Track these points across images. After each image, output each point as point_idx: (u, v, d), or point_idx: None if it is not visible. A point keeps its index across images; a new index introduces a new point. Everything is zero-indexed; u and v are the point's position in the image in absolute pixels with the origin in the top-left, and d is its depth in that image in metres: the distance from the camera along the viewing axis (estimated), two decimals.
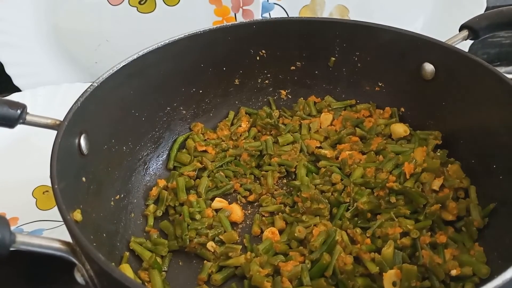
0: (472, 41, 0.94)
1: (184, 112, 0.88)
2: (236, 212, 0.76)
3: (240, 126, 0.90)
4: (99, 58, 1.10)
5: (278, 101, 0.94)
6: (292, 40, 0.88)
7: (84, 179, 0.65)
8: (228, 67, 0.88)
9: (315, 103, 0.92)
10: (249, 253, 0.68)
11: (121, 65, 0.73)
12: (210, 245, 0.70)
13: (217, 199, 0.78)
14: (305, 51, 0.89)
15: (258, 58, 0.89)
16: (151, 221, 0.76)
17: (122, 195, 0.75)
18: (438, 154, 0.78)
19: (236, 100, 0.93)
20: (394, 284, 0.61)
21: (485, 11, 1.06)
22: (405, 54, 0.82)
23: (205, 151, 0.85)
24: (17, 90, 1.06)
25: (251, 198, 0.80)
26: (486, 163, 0.72)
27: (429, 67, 0.80)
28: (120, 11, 1.06)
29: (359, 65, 0.88)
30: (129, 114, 0.78)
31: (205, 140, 0.87)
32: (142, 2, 1.06)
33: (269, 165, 0.84)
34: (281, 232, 0.73)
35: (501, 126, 0.70)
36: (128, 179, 0.78)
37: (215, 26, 0.84)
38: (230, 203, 0.79)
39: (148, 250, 0.71)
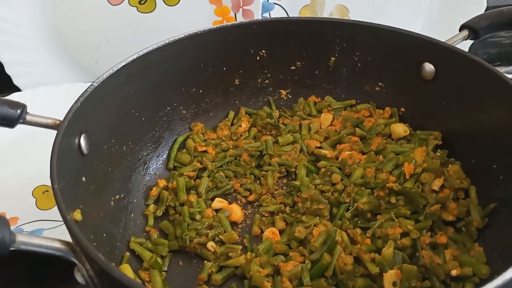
0: (472, 41, 0.94)
1: (184, 112, 0.88)
2: (236, 212, 0.76)
3: (240, 126, 0.90)
4: (99, 58, 1.10)
5: (278, 101, 0.94)
6: (292, 40, 0.88)
7: (84, 179, 0.65)
8: (228, 67, 0.88)
9: (315, 103, 0.92)
10: (249, 253, 0.68)
11: (121, 65, 0.73)
12: (210, 245, 0.70)
13: (217, 199, 0.78)
14: (305, 51, 0.89)
15: (258, 58, 0.89)
16: (151, 221, 0.76)
17: (122, 195, 0.75)
18: (438, 154, 0.78)
19: (236, 100, 0.93)
20: (394, 284, 0.61)
21: (485, 11, 1.06)
22: (405, 54, 0.82)
23: (205, 151, 0.85)
24: (17, 90, 1.06)
25: (251, 198, 0.80)
26: (486, 163, 0.72)
27: (429, 67, 0.80)
28: (120, 11, 1.06)
29: (359, 65, 0.88)
30: (129, 114, 0.78)
31: (205, 140, 0.87)
32: (142, 2, 1.06)
33: (269, 165, 0.84)
34: (281, 232, 0.73)
35: (501, 126, 0.70)
36: (128, 179, 0.78)
37: (215, 26, 0.84)
38: (230, 203, 0.79)
39: (148, 250, 0.71)
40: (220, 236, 0.72)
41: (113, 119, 0.74)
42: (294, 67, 0.91)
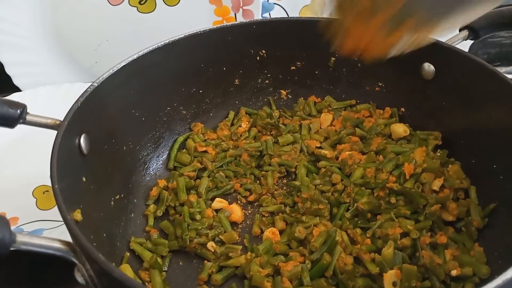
0: (472, 41, 0.94)
1: (184, 112, 0.88)
2: (236, 212, 0.76)
3: (240, 126, 0.90)
4: (99, 58, 1.10)
5: (278, 101, 0.94)
6: (292, 40, 0.88)
7: (84, 179, 0.65)
8: (228, 67, 0.88)
9: (315, 103, 0.92)
10: (249, 253, 0.68)
11: (121, 65, 0.73)
12: (211, 245, 0.70)
13: (217, 199, 0.78)
14: (305, 51, 0.89)
15: (258, 58, 0.89)
16: (151, 221, 0.76)
17: (122, 195, 0.75)
18: (438, 154, 0.78)
19: (236, 100, 0.93)
20: (394, 284, 0.61)
21: None
22: (405, 54, 0.82)
23: (205, 151, 0.85)
24: (17, 90, 1.06)
25: (251, 198, 0.80)
26: (486, 163, 0.72)
27: (429, 67, 0.80)
28: (120, 11, 1.06)
29: (359, 65, 0.88)
30: (129, 114, 0.78)
31: (205, 140, 0.87)
32: (142, 2, 1.06)
33: (269, 165, 0.84)
34: (281, 232, 0.73)
35: (501, 126, 0.70)
36: (128, 179, 0.78)
37: (215, 26, 0.84)
38: (230, 203, 0.79)
39: (148, 250, 0.71)
40: (220, 236, 0.72)
41: (113, 119, 0.74)
42: (294, 67, 0.91)
